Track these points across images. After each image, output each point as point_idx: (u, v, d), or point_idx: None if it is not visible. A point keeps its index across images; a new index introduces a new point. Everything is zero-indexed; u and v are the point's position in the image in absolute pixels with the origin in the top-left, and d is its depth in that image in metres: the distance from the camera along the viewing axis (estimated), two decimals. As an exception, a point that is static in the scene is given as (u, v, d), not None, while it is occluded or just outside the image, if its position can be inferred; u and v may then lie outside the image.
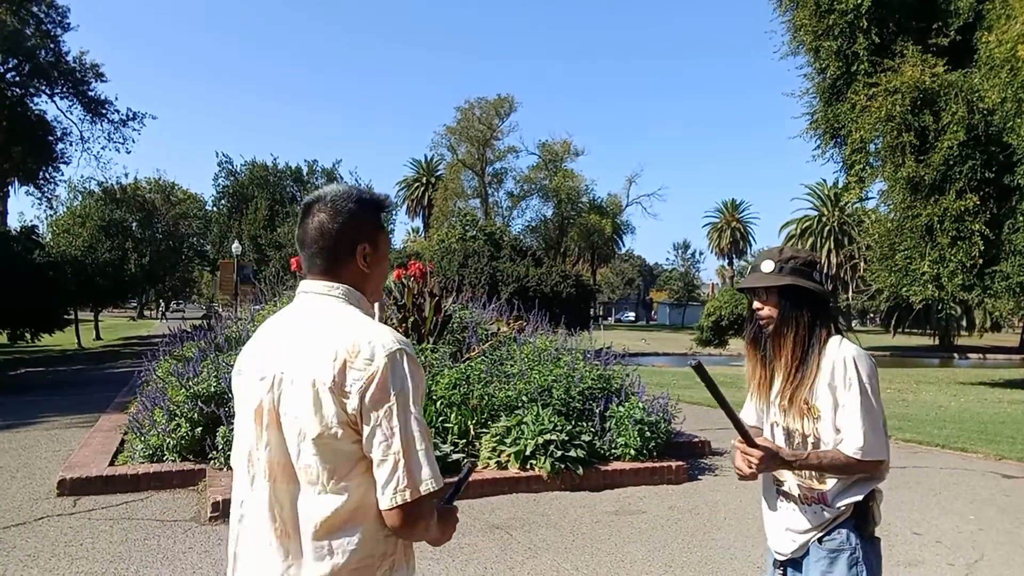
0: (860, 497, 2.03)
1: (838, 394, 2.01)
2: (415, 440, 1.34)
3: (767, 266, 2.10)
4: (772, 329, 2.09)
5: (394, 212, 42.73)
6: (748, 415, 2.32)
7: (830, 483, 2.05)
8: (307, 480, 1.36)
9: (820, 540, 2.05)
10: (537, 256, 33.12)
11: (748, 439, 1.97)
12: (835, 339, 2.06)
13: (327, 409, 1.33)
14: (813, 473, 2.05)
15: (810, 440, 2.06)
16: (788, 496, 2.14)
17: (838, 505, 2.03)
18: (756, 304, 2.13)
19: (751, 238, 77.26)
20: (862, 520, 2.04)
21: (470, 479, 1.73)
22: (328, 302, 1.45)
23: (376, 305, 7.64)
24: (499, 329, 8.45)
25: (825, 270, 52.17)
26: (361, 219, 1.48)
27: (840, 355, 2.01)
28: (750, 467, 1.98)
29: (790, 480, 2.11)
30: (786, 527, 2.12)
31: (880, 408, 2.01)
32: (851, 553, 2.01)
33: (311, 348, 1.37)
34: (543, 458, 5.93)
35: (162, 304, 57.15)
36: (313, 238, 1.46)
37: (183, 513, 5.17)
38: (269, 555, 1.39)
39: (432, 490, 1.34)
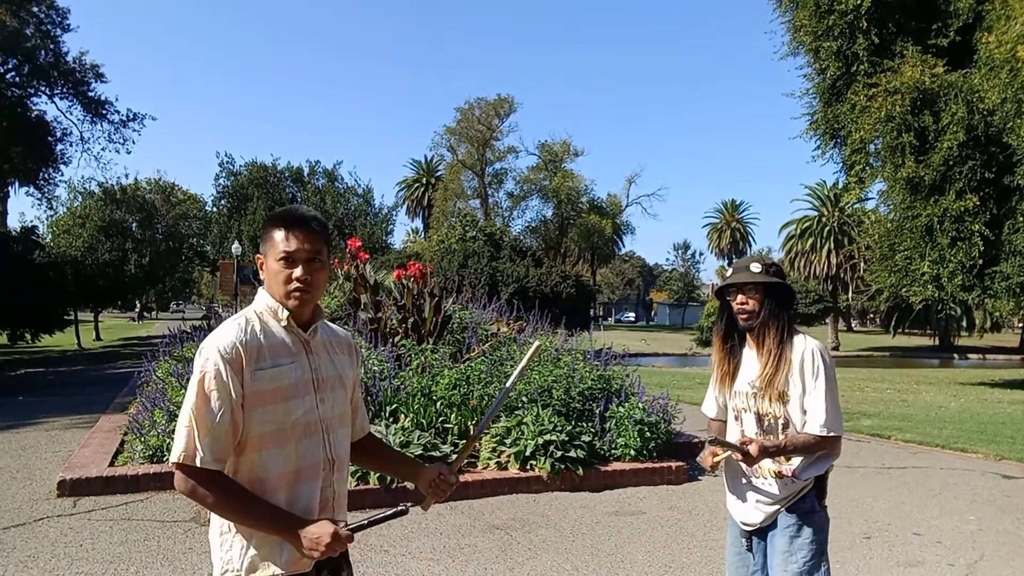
0: (823, 471, 2.35)
1: (807, 381, 2.31)
2: (182, 419, 1.63)
3: (756, 267, 2.39)
4: (758, 323, 2.37)
5: (394, 213, 42.61)
6: (709, 407, 2.61)
7: (795, 460, 2.34)
8: None
9: (788, 510, 2.34)
10: (537, 256, 33.13)
11: (738, 448, 2.27)
12: (799, 335, 2.38)
13: None
14: (773, 441, 2.33)
15: (780, 421, 2.35)
16: (757, 472, 2.39)
17: (804, 478, 2.33)
18: (741, 299, 2.39)
19: (751, 238, 77.23)
20: (821, 491, 2.36)
21: (398, 516, 1.68)
22: (246, 308, 1.80)
23: (371, 302, 7.61)
24: (499, 329, 8.45)
25: (825, 270, 51.46)
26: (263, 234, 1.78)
27: (808, 347, 2.33)
28: (743, 460, 2.29)
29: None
30: (756, 500, 2.39)
31: (837, 392, 2.35)
32: (814, 519, 2.33)
33: None
34: (543, 459, 5.93)
35: (138, 305, 54.78)
36: None
37: (183, 514, 5.17)
38: None
39: (173, 461, 1.60)
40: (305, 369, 1.72)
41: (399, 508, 1.66)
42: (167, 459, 6.05)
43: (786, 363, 2.31)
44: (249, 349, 1.64)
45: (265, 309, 1.73)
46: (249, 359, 1.63)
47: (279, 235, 1.70)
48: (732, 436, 2.44)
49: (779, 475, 2.33)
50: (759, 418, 2.38)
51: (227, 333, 1.65)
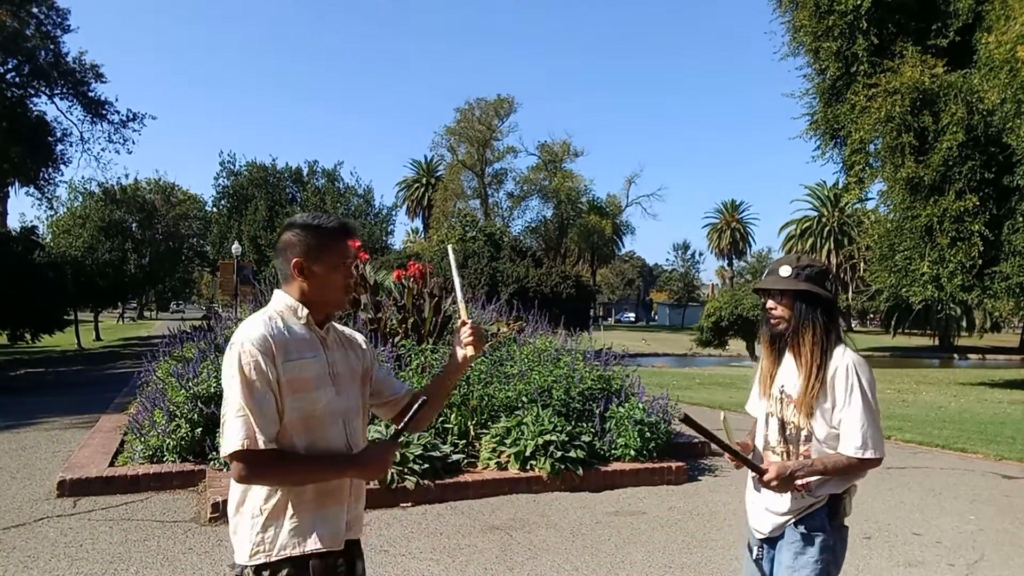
0: (840, 489, 2.21)
1: (838, 397, 2.17)
2: (231, 410, 1.70)
3: (785, 271, 2.26)
4: (791, 331, 2.25)
5: (394, 213, 42.62)
6: (753, 407, 2.49)
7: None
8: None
9: (796, 523, 2.22)
10: (537, 257, 33.16)
11: (754, 467, 2.17)
12: (840, 346, 2.23)
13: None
14: (799, 462, 2.21)
15: (803, 433, 2.24)
16: None
17: (818, 494, 2.20)
18: (770, 304, 2.29)
19: (751, 239, 77.27)
20: (835, 509, 2.23)
21: (419, 416, 1.95)
22: (265, 307, 1.88)
23: (369, 306, 7.64)
24: (499, 330, 8.44)
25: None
26: (301, 239, 1.84)
27: (844, 361, 2.18)
28: (768, 487, 2.16)
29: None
30: (766, 508, 2.29)
31: (878, 411, 2.18)
32: (823, 538, 2.20)
33: None
34: (543, 459, 5.93)
35: (120, 306, 52.24)
36: (275, 254, 1.91)
37: (183, 514, 5.17)
38: None
39: (235, 449, 1.68)
40: (323, 363, 1.84)
41: (421, 401, 1.91)
42: (166, 459, 6.07)
43: (821, 375, 2.20)
44: (277, 342, 1.75)
45: (285, 308, 1.85)
46: (279, 350, 1.74)
47: (343, 244, 1.87)
48: (760, 437, 2.38)
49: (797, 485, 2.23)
50: (782, 425, 2.29)
51: (255, 327, 1.76)
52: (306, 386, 1.77)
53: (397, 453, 1.87)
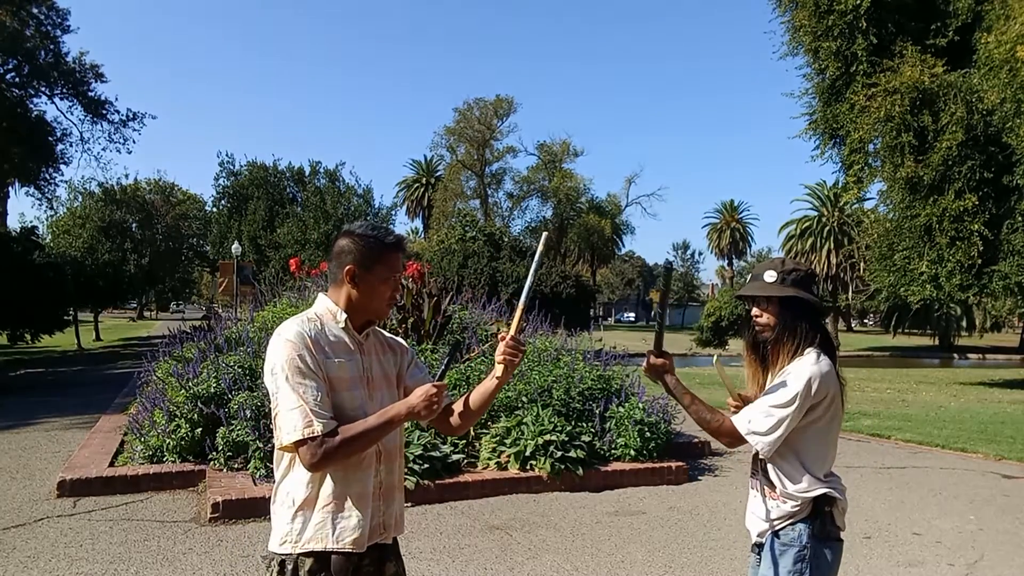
0: (809, 495, 2.11)
1: (775, 384, 2.09)
2: (285, 404, 1.76)
3: (770, 276, 2.16)
4: (773, 338, 2.16)
5: (394, 213, 42.59)
6: None
7: (779, 483, 2.15)
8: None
9: (777, 532, 2.17)
10: (537, 257, 33.12)
11: (658, 348, 2.15)
12: (811, 350, 2.13)
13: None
14: (770, 470, 2.16)
15: None
16: (756, 487, 2.27)
17: (790, 503, 2.13)
18: (755, 311, 2.20)
19: (751, 239, 77.21)
20: (817, 521, 2.13)
21: (456, 363, 1.97)
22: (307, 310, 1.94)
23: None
24: (499, 330, 8.44)
25: (825, 270, 50.91)
26: (356, 248, 1.89)
27: (802, 364, 2.09)
28: (647, 368, 2.19)
29: (759, 473, 2.24)
30: (752, 513, 2.27)
31: (791, 419, 2.06)
32: (799, 550, 2.12)
33: None
34: (543, 459, 5.93)
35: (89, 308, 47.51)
36: (330, 257, 1.96)
37: (183, 514, 5.17)
38: None
39: (294, 440, 1.73)
40: (358, 367, 1.90)
41: (453, 343, 1.94)
42: (166, 459, 6.07)
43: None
44: (313, 340, 1.82)
45: (325, 312, 1.92)
46: (316, 348, 1.81)
47: (395, 258, 1.92)
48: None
49: (765, 494, 2.20)
50: None
51: (291, 327, 1.84)
52: (339, 385, 1.83)
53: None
